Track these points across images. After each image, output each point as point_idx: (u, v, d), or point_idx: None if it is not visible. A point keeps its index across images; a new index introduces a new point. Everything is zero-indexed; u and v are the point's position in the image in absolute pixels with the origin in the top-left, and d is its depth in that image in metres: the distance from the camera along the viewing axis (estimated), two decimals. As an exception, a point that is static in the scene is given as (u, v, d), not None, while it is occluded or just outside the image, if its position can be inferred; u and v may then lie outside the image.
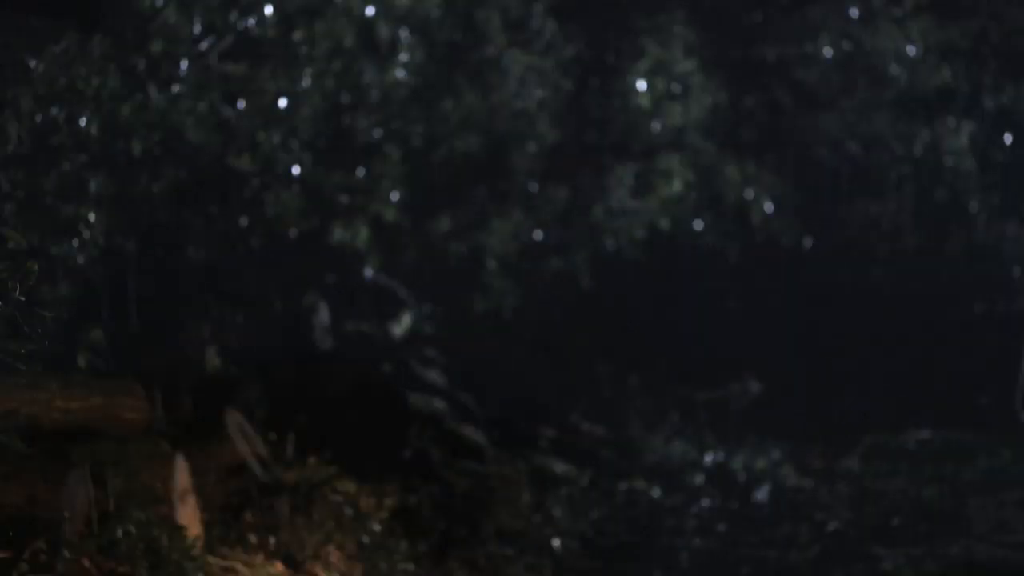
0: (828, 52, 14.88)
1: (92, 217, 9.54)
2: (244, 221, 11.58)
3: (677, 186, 14.55)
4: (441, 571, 9.36)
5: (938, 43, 14.64)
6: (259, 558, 7.93)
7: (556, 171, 14.78)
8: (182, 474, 7.41)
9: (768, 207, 14.79)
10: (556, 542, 10.55)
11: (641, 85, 14.69)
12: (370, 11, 12.86)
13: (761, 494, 12.14)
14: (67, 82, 9.15)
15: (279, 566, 7.98)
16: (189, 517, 7.34)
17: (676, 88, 14.68)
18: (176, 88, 10.53)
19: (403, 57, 13.24)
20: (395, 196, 13.39)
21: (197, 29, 10.87)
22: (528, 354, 14.30)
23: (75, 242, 9.48)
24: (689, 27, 14.83)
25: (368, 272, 13.98)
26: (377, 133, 13.30)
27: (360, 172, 13.13)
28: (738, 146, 14.97)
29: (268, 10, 11.40)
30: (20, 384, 6.65)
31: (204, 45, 11.00)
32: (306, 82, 11.83)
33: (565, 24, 14.57)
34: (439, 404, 11.97)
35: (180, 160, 10.66)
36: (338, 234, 13.10)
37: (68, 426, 6.88)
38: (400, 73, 13.22)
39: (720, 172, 14.75)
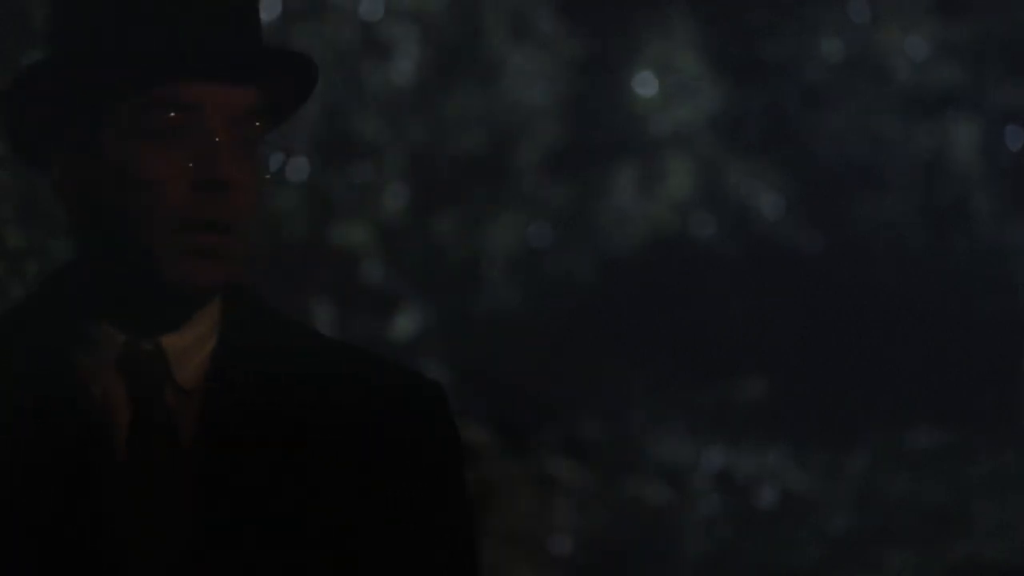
0: (833, 50, 14.85)
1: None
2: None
3: (681, 185, 14.51)
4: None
5: (944, 42, 14.60)
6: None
7: (558, 170, 14.75)
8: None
9: (774, 207, 14.75)
10: (558, 543, 10.50)
11: (643, 83, 14.66)
12: (370, 10, 12.84)
13: (764, 495, 12.09)
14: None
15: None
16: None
17: (679, 86, 14.65)
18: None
19: (404, 55, 13.21)
20: (395, 196, 13.35)
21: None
22: (529, 354, 14.26)
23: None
24: (694, 25, 14.80)
25: (369, 272, 13.93)
26: (377, 133, 13.26)
27: (360, 172, 13.09)
28: (742, 144, 14.93)
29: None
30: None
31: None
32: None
33: (568, 22, 14.54)
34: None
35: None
36: (338, 234, 13.06)
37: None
38: (401, 72, 13.19)
39: (724, 170, 14.71)
